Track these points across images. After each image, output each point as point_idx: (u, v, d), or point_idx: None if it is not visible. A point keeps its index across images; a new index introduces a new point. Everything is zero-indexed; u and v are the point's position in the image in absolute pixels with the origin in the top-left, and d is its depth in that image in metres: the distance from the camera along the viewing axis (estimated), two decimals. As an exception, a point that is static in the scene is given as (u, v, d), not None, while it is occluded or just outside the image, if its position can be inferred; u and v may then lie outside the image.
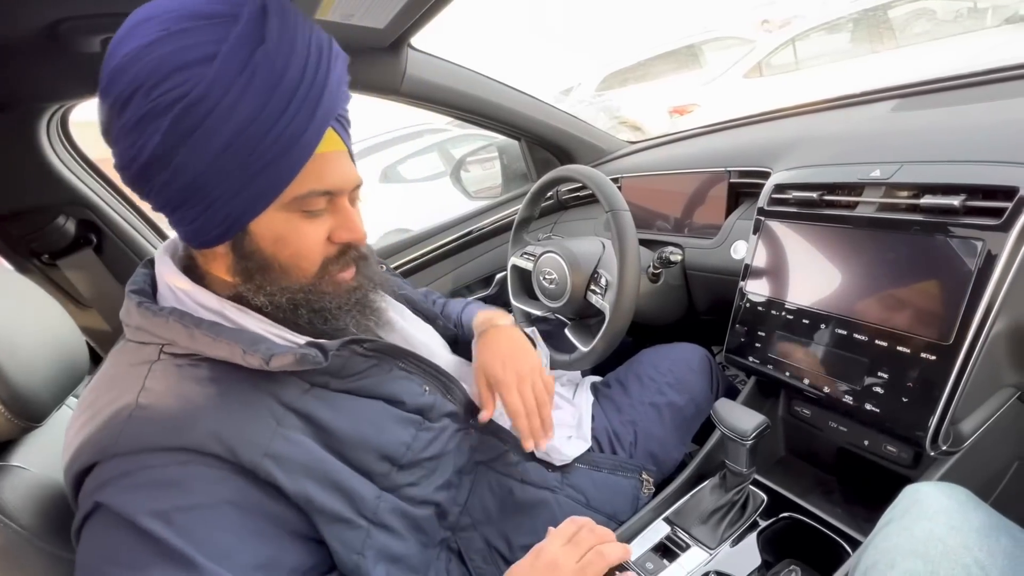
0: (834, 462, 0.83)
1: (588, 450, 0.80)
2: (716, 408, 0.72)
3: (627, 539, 0.72)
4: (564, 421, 0.84)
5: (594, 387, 0.94)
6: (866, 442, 0.75)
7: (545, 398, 0.68)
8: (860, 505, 0.74)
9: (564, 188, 0.86)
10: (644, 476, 0.80)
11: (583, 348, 0.92)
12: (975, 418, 0.62)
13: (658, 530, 0.73)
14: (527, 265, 1.08)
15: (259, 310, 0.50)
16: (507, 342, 0.71)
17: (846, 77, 3.62)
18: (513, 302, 1.15)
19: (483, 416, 0.65)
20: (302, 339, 0.51)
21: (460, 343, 0.79)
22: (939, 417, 0.59)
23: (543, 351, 1.02)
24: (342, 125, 0.51)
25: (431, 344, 0.72)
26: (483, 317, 0.78)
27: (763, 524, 0.71)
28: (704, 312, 1.10)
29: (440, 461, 0.60)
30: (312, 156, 0.45)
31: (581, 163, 1.29)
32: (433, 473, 0.59)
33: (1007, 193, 0.56)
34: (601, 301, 0.91)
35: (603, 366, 0.94)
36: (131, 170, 0.43)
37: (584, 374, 0.99)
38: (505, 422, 0.74)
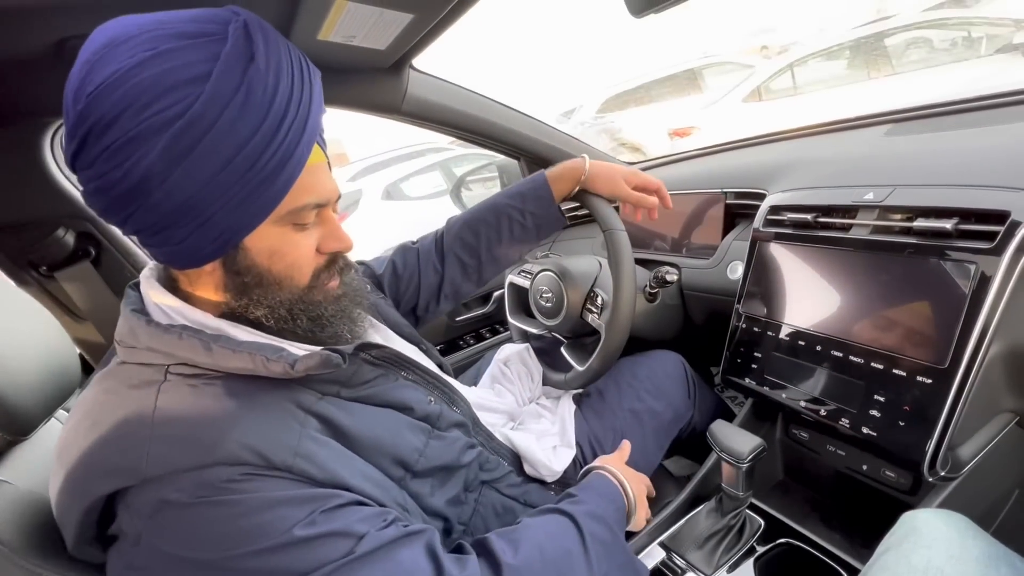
0: (833, 486, 0.82)
1: (580, 469, 0.80)
2: (712, 430, 0.72)
3: None
4: (548, 431, 0.84)
5: (576, 397, 0.94)
6: (865, 467, 0.74)
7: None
8: (859, 531, 0.72)
9: (563, 206, 0.86)
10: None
11: (578, 367, 0.92)
12: (974, 443, 0.61)
13: (654, 555, 0.72)
14: (524, 283, 1.08)
15: (254, 325, 0.50)
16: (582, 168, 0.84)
17: (843, 102, 3.67)
18: (510, 320, 1.15)
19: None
20: (307, 348, 0.51)
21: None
22: (936, 441, 0.58)
23: (537, 369, 1.02)
24: (322, 139, 0.52)
25: (425, 364, 0.72)
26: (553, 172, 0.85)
27: (760, 550, 0.70)
28: (701, 332, 1.10)
29: (452, 472, 0.61)
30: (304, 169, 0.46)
31: (579, 183, 1.30)
32: (445, 484, 0.60)
33: (999, 217, 0.56)
34: (597, 320, 0.91)
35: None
36: (113, 192, 0.42)
37: None
38: (517, 442, 0.75)
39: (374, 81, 0.96)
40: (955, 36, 3.81)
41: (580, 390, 0.96)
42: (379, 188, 4.78)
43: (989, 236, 0.56)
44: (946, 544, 0.47)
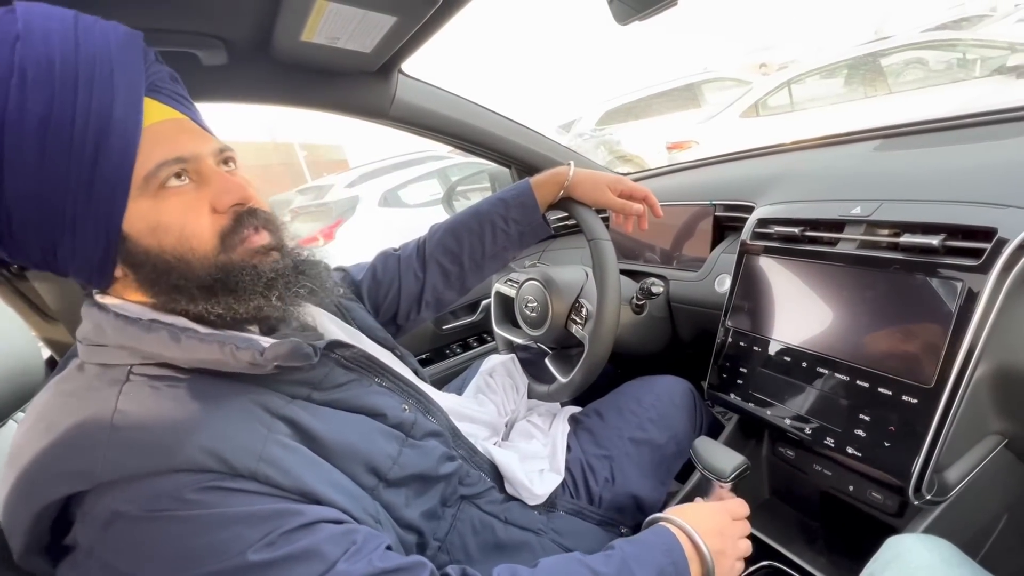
0: (819, 507, 0.80)
1: (569, 494, 0.77)
2: (696, 446, 0.70)
3: None
4: (537, 453, 0.81)
5: (573, 418, 0.91)
6: (851, 487, 0.72)
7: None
8: (844, 554, 0.70)
9: (552, 216, 0.85)
10: (623, 530, 0.77)
11: (562, 379, 0.90)
12: (961, 466, 0.59)
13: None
14: (510, 292, 1.07)
15: (205, 324, 0.48)
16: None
17: (839, 119, 3.70)
18: (495, 329, 1.13)
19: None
20: (266, 340, 0.49)
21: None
22: (922, 464, 0.56)
23: (522, 381, 1.00)
24: (173, 99, 0.50)
25: (400, 371, 0.70)
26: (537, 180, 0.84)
27: (743, 573, 0.67)
28: (689, 345, 1.08)
29: (428, 483, 0.58)
30: (142, 130, 0.44)
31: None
32: (421, 495, 0.57)
33: (986, 234, 0.55)
34: (581, 331, 0.89)
35: (585, 396, 0.91)
36: None
37: (563, 404, 0.97)
38: (498, 458, 0.72)
39: (361, 85, 0.95)
40: (951, 57, 3.86)
41: (577, 409, 0.94)
42: (376, 194, 4.78)
43: (976, 253, 0.55)
44: (929, 572, 0.45)
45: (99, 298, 0.48)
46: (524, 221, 0.83)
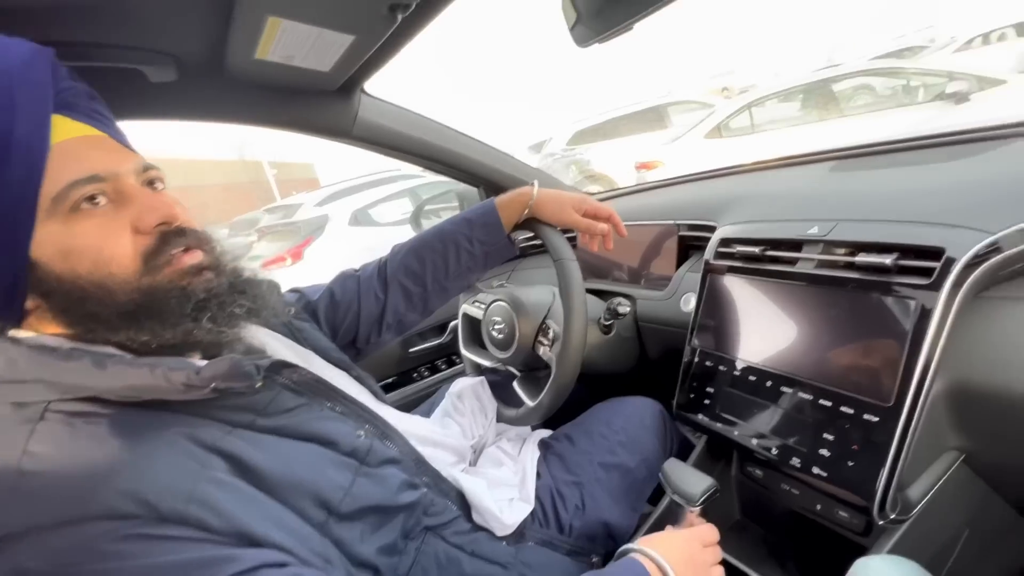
0: (788, 527, 0.79)
1: (538, 523, 0.74)
2: (665, 469, 0.68)
3: None
4: (507, 480, 0.78)
5: (543, 442, 0.89)
6: (818, 506, 0.72)
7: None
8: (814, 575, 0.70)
9: (521, 236, 0.84)
10: (594, 559, 0.75)
11: (530, 403, 0.88)
12: (922, 483, 0.60)
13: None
14: (477, 313, 1.05)
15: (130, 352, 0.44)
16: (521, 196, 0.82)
17: (797, 141, 3.87)
18: (463, 351, 1.10)
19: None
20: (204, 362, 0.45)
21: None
22: (885, 482, 0.56)
23: (491, 404, 0.98)
24: (90, 116, 0.47)
25: (357, 396, 0.67)
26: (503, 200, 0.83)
27: None
28: (658, 364, 1.08)
29: (386, 516, 0.55)
30: (49, 148, 0.41)
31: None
32: (378, 529, 0.54)
33: (935, 253, 0.56)
34: (548, 353, 0.87)
35: (555, 419, 0.89)
36: None
37: (533, 428, 0.94)
38: (466, 486, 0.69)
39: (322, 103, 0.93)
40: (896, 84, 4.10)
41: (548, 433, 0.92)
42: (347, 213, 4.71)
43: (927, 272, 0.56)
44: None
45: (12, 333, 0.44)
46: (489, 241, 0.82)
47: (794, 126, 4.22)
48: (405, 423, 0.70)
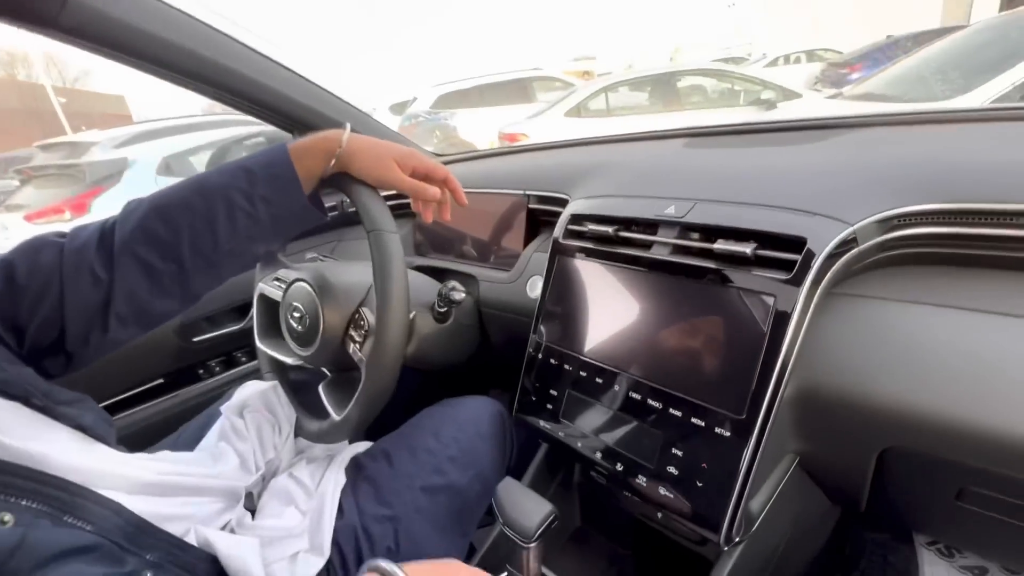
0: (630, 536, 0.73)
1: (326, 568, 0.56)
2: (498, 495, 0.56)
3: None
4: (291, 530, 0.58)
5: (355, 463, 0.69)
6: (660, 515, 0.65)
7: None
8: None
9: (333, 195, 0.61)
10: None
11: (335, 415, 0.68)
12: (763, 495, 0.55)
13: None
14: (276, 295, 0.80)
15: None
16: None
17: (647, 127, 4.16)
18: (258, 345, 0.84)
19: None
20: None
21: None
22: (733, 509, 0.49)
23: (288, 417, 0.75)
24: None
25: (16, 444, 0.40)
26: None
27: None
28: (502, 356, 0.95)
29: None
30: None
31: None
32: None
33: (797, 244, 0.49)
34: (359, 352, 0.67)
35: (378, 424, 0.70)
36: None
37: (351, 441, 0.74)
38: (223, 551, 0.48)
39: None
40: (723, 87, 4.66)
41: (364, 447, 0.72)
42: (156, 159, 3.83)
43: (787, 265, 0.49)
44: None
45: None
46: (279, 201, 0.58)
47: (643, 114, 4.54)
48: (129, 469, 0.46)
